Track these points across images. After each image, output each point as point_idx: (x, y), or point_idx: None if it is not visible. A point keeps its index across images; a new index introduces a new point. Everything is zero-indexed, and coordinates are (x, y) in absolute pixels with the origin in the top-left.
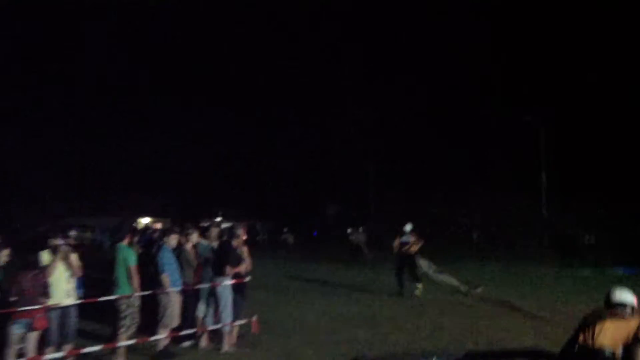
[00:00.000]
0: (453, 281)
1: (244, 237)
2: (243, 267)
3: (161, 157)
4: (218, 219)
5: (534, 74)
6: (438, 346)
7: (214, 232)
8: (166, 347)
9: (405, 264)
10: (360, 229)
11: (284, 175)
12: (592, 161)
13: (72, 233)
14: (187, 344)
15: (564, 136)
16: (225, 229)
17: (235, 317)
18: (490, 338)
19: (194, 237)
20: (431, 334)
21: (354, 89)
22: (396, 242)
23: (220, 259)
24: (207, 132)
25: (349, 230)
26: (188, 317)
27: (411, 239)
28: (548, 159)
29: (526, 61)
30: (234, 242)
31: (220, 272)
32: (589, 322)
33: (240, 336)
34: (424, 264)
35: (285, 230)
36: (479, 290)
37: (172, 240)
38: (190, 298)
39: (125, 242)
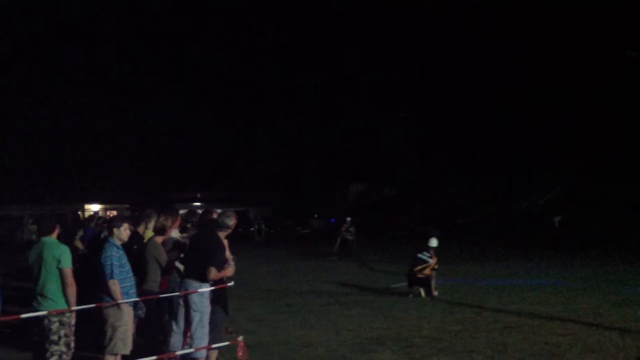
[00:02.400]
0: None
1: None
2: (230, 271)
3: (114, 130)
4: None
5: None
6: None
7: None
8: None
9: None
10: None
11: (285, 150)
12: None
13: None
14: None
15: None
16: (204, 215)
17: (214, 338)
18: None
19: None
20: (490, 357)
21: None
22: None
23: (201, 258)
24: (180, 100)
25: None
26: (147, 337)
27: (431, 259)
28: None
29: None
30: (221, 235)
31: (199, 276)
32: None
33: None
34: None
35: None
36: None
37: (124, 231)
38: (153, 312)
39: (53, 235)
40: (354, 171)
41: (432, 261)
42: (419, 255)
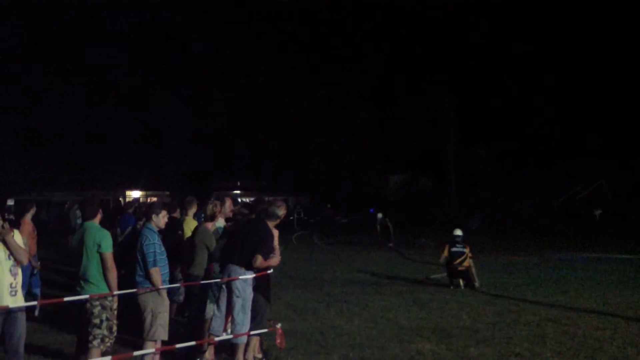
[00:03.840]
0: None
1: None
2: (275, 261)
3: (155, 119)
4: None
5: None
6: None
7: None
8: None
9: (459, 278)
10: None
11: (326, 138)
12: None
13: (10, 203)
14: None
15: None
16: (257, 204)
17: (257, 325)
18: (612, 355)
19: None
20: (528, 349)
21: None
22: (445, 252)
23: (249, 246)
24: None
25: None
26: (189, 322)
27: (465, 249)
28: None
29: None
30: (271, 224)
31: (245, 263)
32: None
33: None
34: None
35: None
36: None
37: (162, 218)
38: (196, 297)
39: (96, 220)
40: (393, 162)
41: (467, 250)
42: (453, 249)
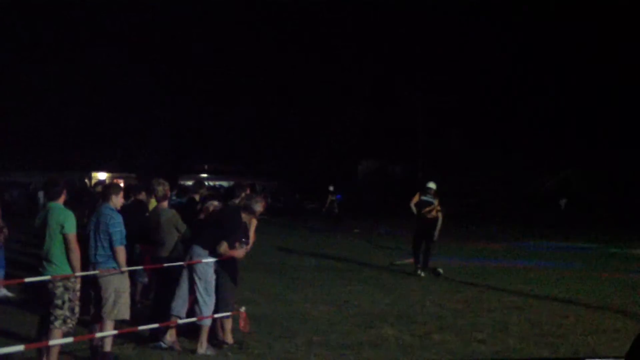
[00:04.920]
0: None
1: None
2: (240, 253)
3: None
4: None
5: None
6: (500, 352)
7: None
8: (110, 349)
9: (425, 231)
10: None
11: (294, 121)
12: None
13: None
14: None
15: None
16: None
17: (223, 307)
18: (573, 343)
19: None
20: (491, 336)
21: None
22: (415, 199)
23: (218, 231)
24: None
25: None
26: (159, 308)
27: (435, 200)
28: None
29: None
30: (245, 217)
31: (209, 247)
32: None
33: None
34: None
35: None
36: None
37: (120, 199)
38: (168, 280)
39: (60, 200)
40: (363, 147)
41: (436, 202)
42: (423, 197)
